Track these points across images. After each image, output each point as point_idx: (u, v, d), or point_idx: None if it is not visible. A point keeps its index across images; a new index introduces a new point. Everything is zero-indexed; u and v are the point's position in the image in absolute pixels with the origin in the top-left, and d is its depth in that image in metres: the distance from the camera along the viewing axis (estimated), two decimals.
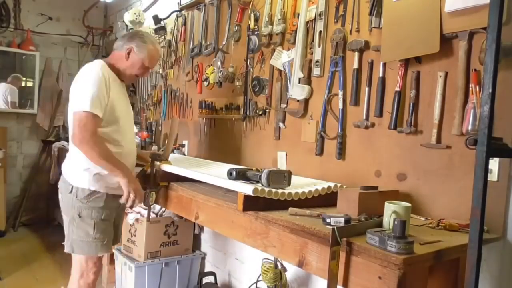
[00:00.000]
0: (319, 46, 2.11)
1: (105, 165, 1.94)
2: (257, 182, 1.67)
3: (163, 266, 2.88)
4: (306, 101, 2.21)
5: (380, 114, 1.83)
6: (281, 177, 1.68)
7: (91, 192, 2.00)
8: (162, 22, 3.39)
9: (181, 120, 3.31)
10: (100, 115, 1.91)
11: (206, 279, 2.84)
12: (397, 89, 1.76)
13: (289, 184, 1.72)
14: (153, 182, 2.22)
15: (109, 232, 2.09)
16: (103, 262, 3.16)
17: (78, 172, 2.01)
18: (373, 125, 1.87)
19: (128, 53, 2.06)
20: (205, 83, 2.98)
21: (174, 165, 2.28)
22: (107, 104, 1.95)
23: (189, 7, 3.24)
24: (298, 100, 2.23)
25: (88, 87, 1.90)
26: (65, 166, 2.14)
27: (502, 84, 0.99)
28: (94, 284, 2.12)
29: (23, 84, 4.70)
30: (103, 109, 1.93)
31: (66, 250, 2.09)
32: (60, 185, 2.12)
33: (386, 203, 1.31)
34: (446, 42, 1.59)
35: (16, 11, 4.56)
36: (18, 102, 4.63)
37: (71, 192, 2.00)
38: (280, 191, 1.61)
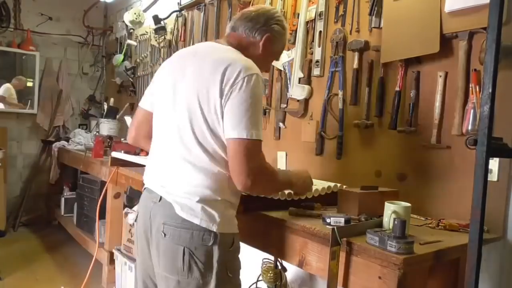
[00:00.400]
0: (319, 46, 2.11)
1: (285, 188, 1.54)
2: None
3: None
4: (306, 101, 2.21)
5: (380, 114, 1.83)
6: None
7: (235, 236, 1.42)
8: (162, 22, 3.39)
9: None
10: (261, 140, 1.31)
11: None
12: (397, 89, 1.76)
13: None
14: None
15: None
16: (102, 262, 3.16)
17: (214, 211, 1.30)
18: (373, 125, 1.87)
19: (265, 42, 1.46)
20: None
21: None
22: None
23: (189, 7, 3.24)
24: (298, 100, 2.23)
25: (249, 110, 1.24)
26: (188, 203, 1.30)
27: (502, 84, 0.99)
28: None
29: (27, 85, 4.69)
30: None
31: None
32: (179, 233, 1.29)
33: (386, 203, 1.31)
34: (446, 42, 1.60)
35: (16, 11, 4.56)
36: (17, 100, 4.61)
37: (212, 242, 1.30)
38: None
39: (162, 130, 1.42)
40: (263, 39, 1.45)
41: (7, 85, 4.55)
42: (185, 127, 1.30)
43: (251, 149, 1.25)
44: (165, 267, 1.32)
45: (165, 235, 1.30)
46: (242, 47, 1.43)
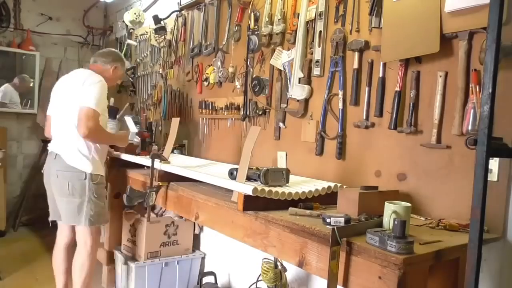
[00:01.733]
0: (319, 46, 2.11)
1: (117, 142, 2.80)
2: (256, 180, 1.68)
3: (163, 266, 2.88)
4: (306, 101, 2.21)
5: (380, 114, 1.83)
6: (279, 175, 1.70)
7: (100, 176, 2.50)
8: (162, 22, 3.39)
9: (181, 120, 3.31)
10: (100, 113, 2.44)
11: (206, 279, 2.84)
12: (397, 89, 1.76)
13: (287, 182, 1.73)
14: (153, 182, 2.22)
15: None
16: (102, 262, 3.16)
17: (86, 161, 2.45)
18: (373, 125, 1.87)
19: (113, 70, 2.72)
20: (205, 83, 2.98)
21: (174, 165, 2.28)
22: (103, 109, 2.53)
23: (189, 7, 3.24)
24: (298, 100, 2.23)
25: (96, 90, 2.43)
26: (70, 156, 2.45)
27: (502, 84, 0.99)
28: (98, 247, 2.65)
29: (31, 85, 4.68)
30: (102, 110, 2.48)
31: (84, 224, 2.45)
32: (65, 174, 2.43)
33: (386, 203, 1.31)
34: (446, 42, 1.60)
35: (16, 11, 4.56)
36: (13, 103, 4.60)
37: (85, 178, 2.43)
38: (280, 191, 1.61)
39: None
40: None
41: (8, 89, 4.54)
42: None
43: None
44: (59, 194, 2.48)
45: (57, 176, 2.46)
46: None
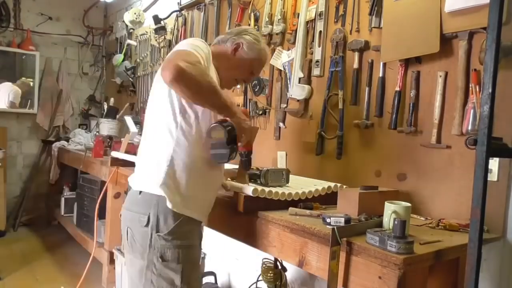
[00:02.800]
0: (319, 46, 2.11)
1: (214, 97, 1.37)
2: (256, 181, 1.68)
3: None
4: (306, 101, 2.21)
5: (380, 114, 1.83)
6: (279, 175, 1.71)
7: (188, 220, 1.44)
8: (162, 22, 3.39)
9: None
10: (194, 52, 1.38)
11: (206, 279, 2.84)
12: (397, 89, 1.76)
13: (287, 182, 1.73)
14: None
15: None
16: (103, 262, 3.16)
17: (162, 179, 1.42)
18: (373, 125, 1.88)
19: (235, 49, 1.61)
20: None
21: None
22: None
23: (189, 7, 3.24)
24: (298, 100, 2.23)
25: (188, 43, 1.43)
26: (140, 175, 1.52)
27: (502, 84, 0.99)
28: None
29: (31, 84, 4.68)
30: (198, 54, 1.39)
31: None
32: (126, 214, 1.51)
33: (386, 203, 1.31)
34: (446, 42, 1.60)
35: (16, 10, 4.55)
36: (18, 103, 4.62)
37: (148, 223, 1.41)
38: (280, 191, 1.61)
39: None
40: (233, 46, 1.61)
41: (17, 90, 4.54)
42: None
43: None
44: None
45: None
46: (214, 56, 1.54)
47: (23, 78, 4.61)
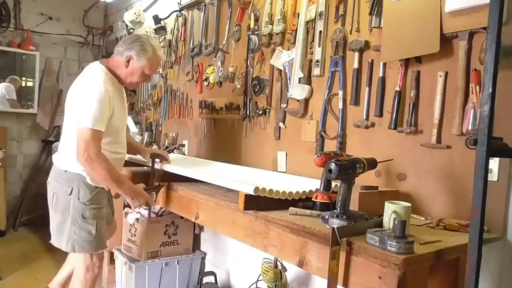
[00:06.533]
0: (319, 46, 2.11)
1: (110, 184, 2.01)
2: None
3: (163, 266, 2.88)
4: (306, 101, 2.21)
5: (380, 114, 1.83)
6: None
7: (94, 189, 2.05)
8: (162, 22, 3.39)
9: (181, 120, 3.32)
10: (103, 130, 1.94)
11: (206, 279, 2.84)
12: (397, 89, 1.76)
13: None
14: (153, 181, 2.22)
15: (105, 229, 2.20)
16: (103, 263, 3.15)
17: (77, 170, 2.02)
18: (373, 125, 1.87)
19: (128, 61, 2.05)
20: (205, 83, 2.98)
21: (174, 165, 2.27)
22: (108, 118, 1.98)
23: (189, 7, 3.24)
24: (298, 100, 2.23)
25: (92, 105, 1.90)
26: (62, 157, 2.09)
27: (502, 84, 0.99)
28: (98, 277, 2.25)
29: (23, 84, 4.69)
30: (105, 124, 1.95)
31: (65, 249, 2.15)
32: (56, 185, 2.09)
33: (386, 203, 1.31)
34: (446, 42, 1.59)
35: (16, 10, 4.56)
36: (17, 100, 4.62)
37: (70, 194, 2.03)
38: (280, 190, 1.61)
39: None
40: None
41: (9, 85, 4.54)
42: None
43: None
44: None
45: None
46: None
47: (11, 76, 4.60)
